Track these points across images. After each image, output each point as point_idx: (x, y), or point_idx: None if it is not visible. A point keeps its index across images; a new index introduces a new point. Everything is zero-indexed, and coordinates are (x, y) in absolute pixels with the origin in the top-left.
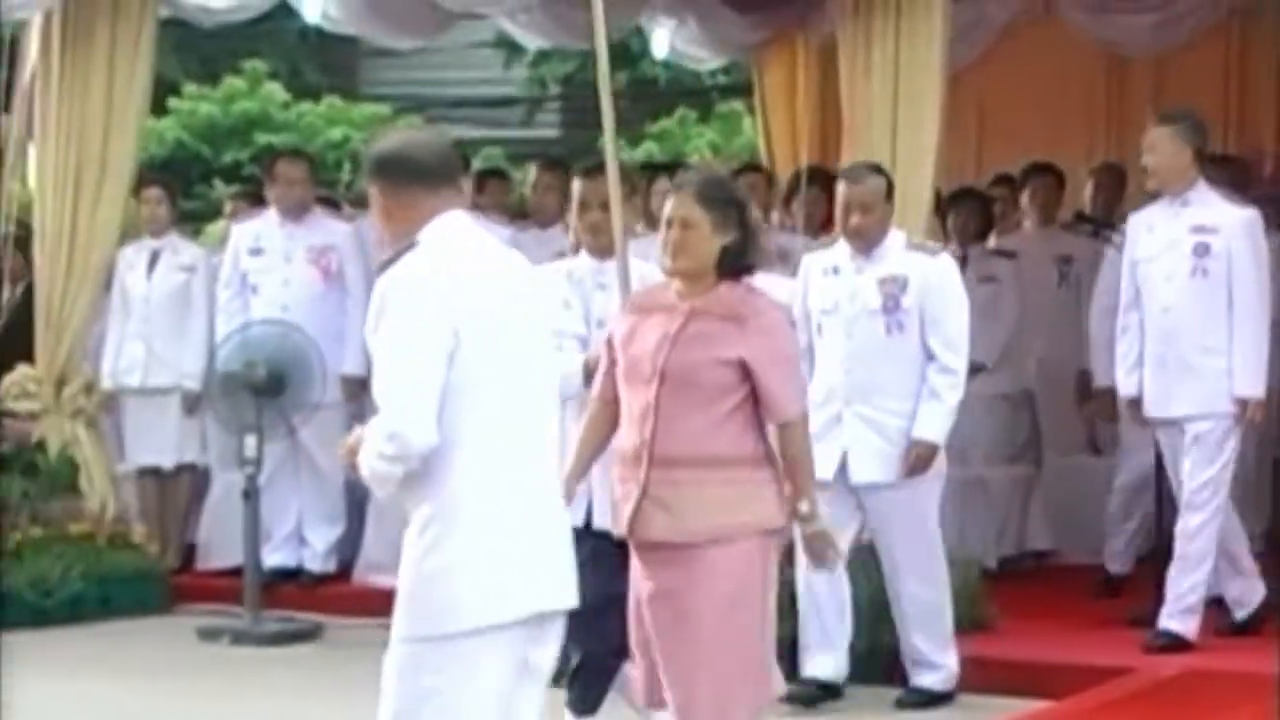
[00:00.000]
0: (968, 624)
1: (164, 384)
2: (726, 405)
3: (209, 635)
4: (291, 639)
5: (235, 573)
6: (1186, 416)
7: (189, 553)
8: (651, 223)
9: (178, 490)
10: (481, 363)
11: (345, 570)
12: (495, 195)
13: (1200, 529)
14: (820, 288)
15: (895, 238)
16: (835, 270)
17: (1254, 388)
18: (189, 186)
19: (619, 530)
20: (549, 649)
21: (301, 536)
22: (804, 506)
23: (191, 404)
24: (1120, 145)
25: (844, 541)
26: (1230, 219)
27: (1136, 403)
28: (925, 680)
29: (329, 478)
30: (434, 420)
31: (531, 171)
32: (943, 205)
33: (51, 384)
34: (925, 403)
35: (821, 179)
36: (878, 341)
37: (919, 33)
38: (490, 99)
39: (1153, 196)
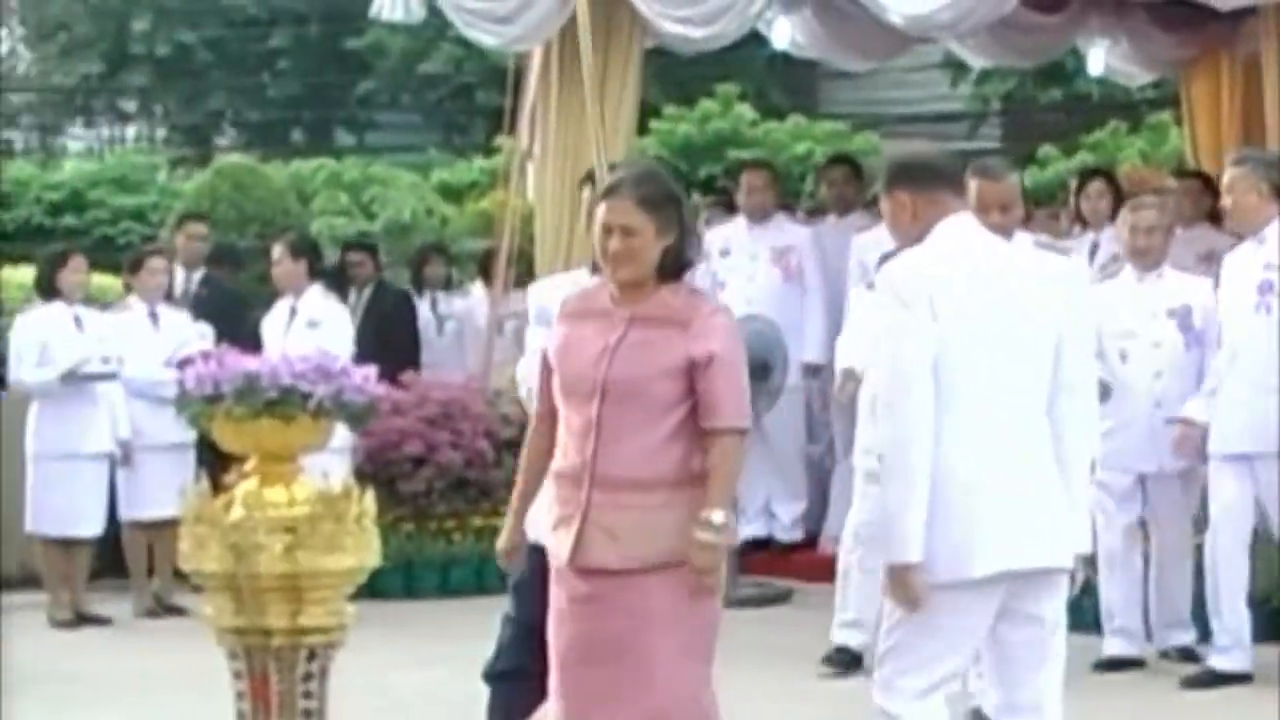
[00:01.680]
0: None
1: None
2: (672, 421)
3: None
4: (764, 602)
5: None
6: (1244, 455)
7: None
8: (1083, 224)
9: None
10: (962, 336)
11: (811, 540)
12: None
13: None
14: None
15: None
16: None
17: None
18: None
19: (558, 558)
20: (1047, 601)
21: (770, 510)
22: (717, 516)
23: None
24: None
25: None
26: None
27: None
28: None
29: (790, 456)
30: (927, 390)
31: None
32: None
33: None
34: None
35: None
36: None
37: None
38: (937, 114)
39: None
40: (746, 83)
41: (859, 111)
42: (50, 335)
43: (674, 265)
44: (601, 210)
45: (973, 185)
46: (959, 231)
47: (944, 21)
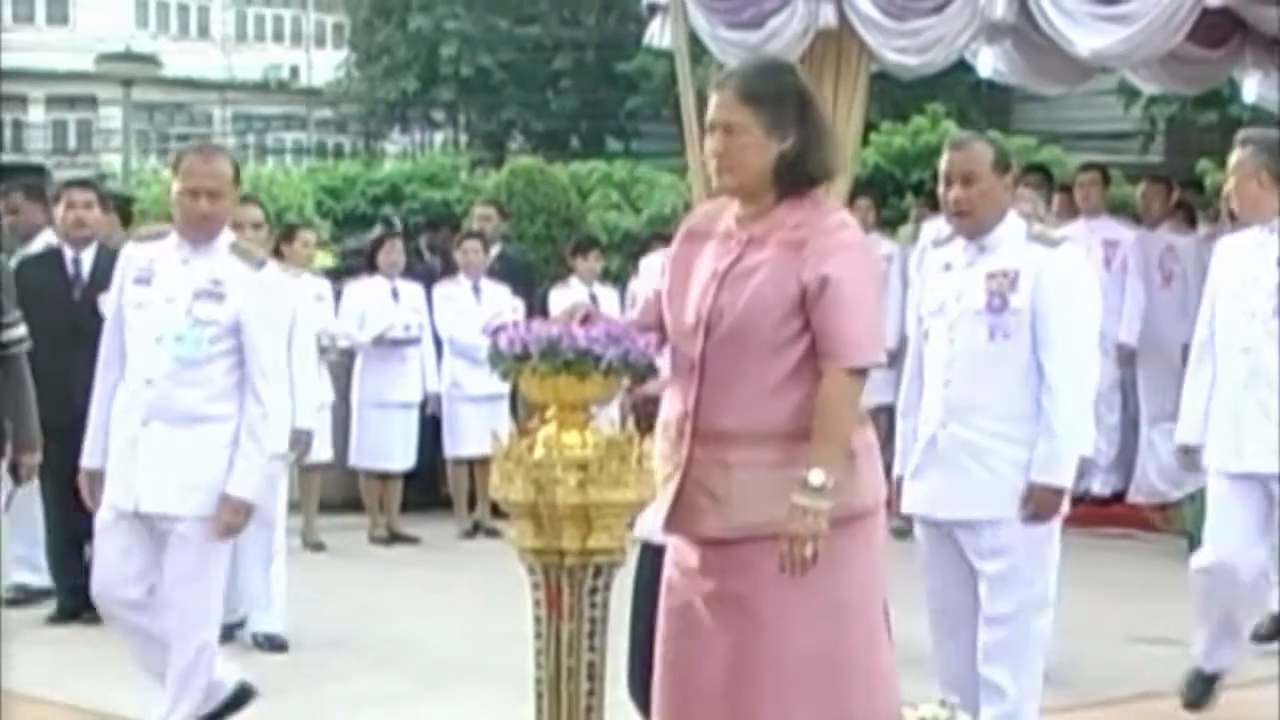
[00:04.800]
0: None
1: None
2: (788, 361)
3: None
4: None
5: None
6: (1258, 474)
7: None
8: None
9: None
10: None
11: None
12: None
13: None
14: (931, 286)
15: (1014, 226)
16: (948, 266)
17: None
18: (885, 199)
19: (657, 524)
20: None
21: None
22: (815, 476)
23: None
24: None
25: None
26: None
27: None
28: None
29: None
30: None
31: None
32: None
33: None
34: (1040, 438)
35: None
36: (979, 348)
37: None
38: (1111, 133)
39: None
40: (951, 103)
41: (1046, 129)
42: (369, 304)
43: (792, 175)
44: (710, 106)
45: (941, 161)
46: None
47: (1121, 54)
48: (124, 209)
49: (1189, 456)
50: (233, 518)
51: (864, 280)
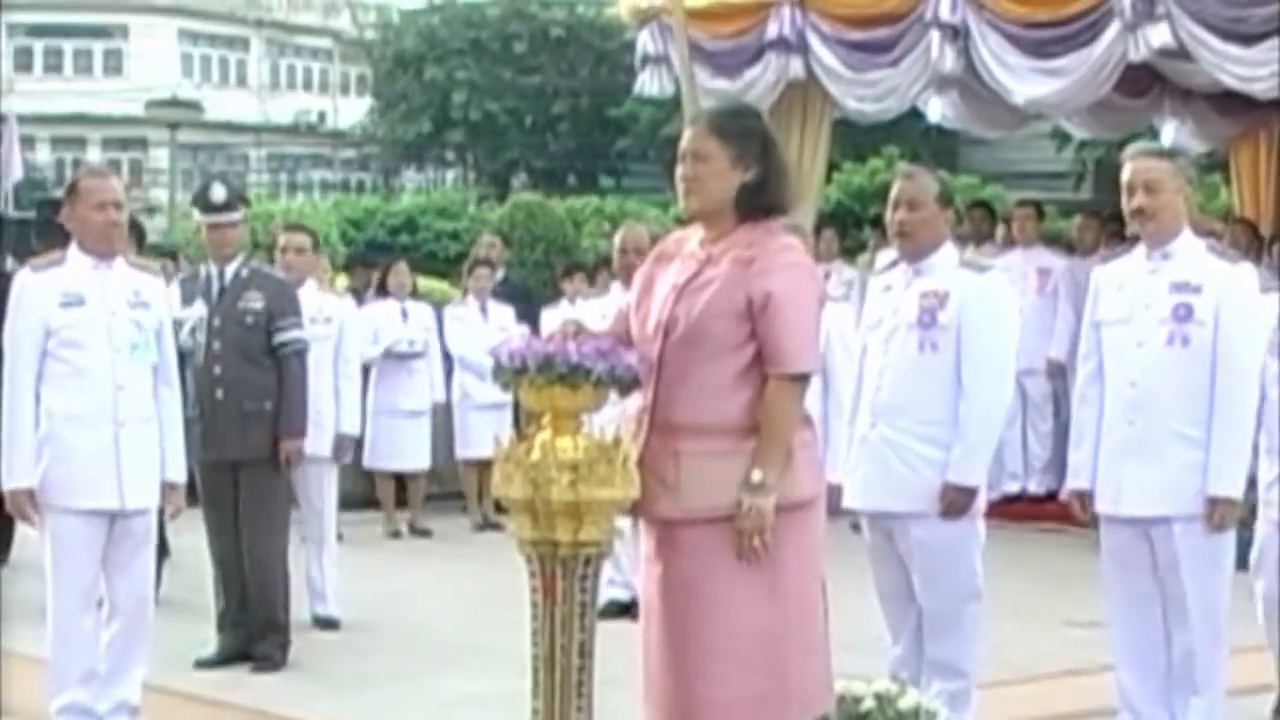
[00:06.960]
0: None
1: None
2: (738, 363)
3: None
4: None
5: None
6: (1143, 519)
7: None
8: None
9: None
10: None
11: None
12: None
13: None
14: (872, 306)
15: (948, 253)
16: (888, 288)
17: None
18: (846, 231)
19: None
20: None
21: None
22: (755, 475)
23: None
24: None
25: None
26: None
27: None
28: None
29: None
30: None
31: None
32: None
33: None
34: (955, 442)
35: None
36: (910, 358)
37: None
38: (1047, 173)
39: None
40: (905, 146)
41: (989, 169)
42: (380, 322)
43: (751, 204)
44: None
45: (891, 191)
46: None
47: (1055, 103)
48: (138, 229)
49: (1082, 502)
50: (182, 502)
51: (803, 297)
